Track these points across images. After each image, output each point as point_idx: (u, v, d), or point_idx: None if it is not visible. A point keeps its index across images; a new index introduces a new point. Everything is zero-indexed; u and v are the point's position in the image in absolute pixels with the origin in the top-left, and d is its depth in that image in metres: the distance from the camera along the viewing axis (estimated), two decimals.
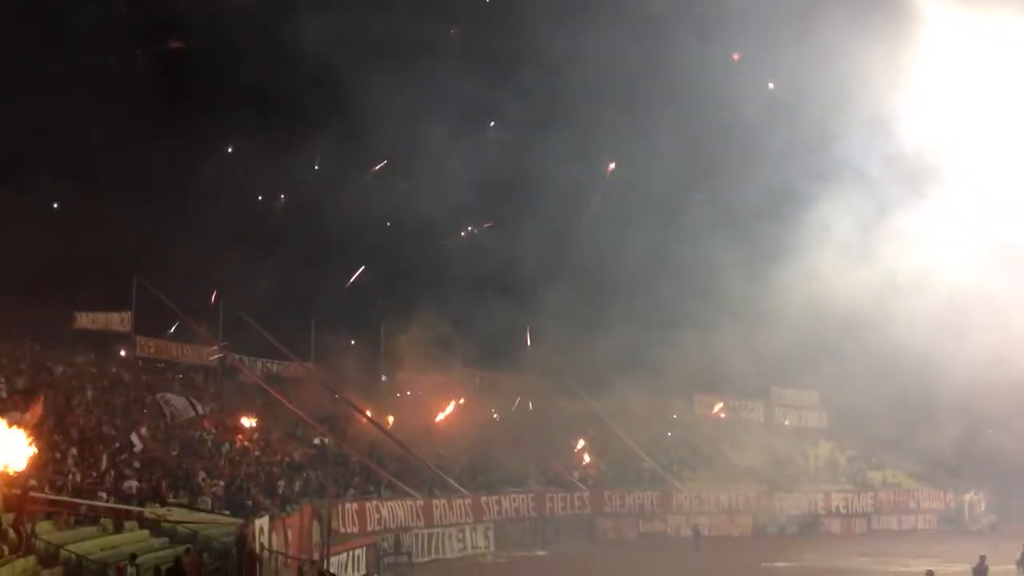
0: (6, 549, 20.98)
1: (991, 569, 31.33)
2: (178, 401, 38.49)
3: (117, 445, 33.48)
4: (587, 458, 51.91)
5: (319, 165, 53.79)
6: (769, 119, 48.21)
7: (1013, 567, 34.14)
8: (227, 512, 31.95)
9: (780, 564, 40.52)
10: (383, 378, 53.61)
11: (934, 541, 47.73)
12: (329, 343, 51.94)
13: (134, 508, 28.95)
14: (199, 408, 38.86)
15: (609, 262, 55.10)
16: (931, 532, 52.53)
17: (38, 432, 26.80)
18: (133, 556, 22.78)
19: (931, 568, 29.46)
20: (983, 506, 54.19)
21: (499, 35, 50.33)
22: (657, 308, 51.86)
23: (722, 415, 60.98)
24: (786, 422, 62.09)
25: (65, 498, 26.23)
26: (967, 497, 54.18)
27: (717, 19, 47.65)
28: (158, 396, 39.14)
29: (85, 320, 48.62)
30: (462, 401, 53.43)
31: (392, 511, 39.86)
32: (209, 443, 38.79)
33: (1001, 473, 51.08)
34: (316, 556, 30.95)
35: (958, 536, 48.21)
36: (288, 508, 34.11)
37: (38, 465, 27.03)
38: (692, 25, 47.17)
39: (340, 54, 46.09)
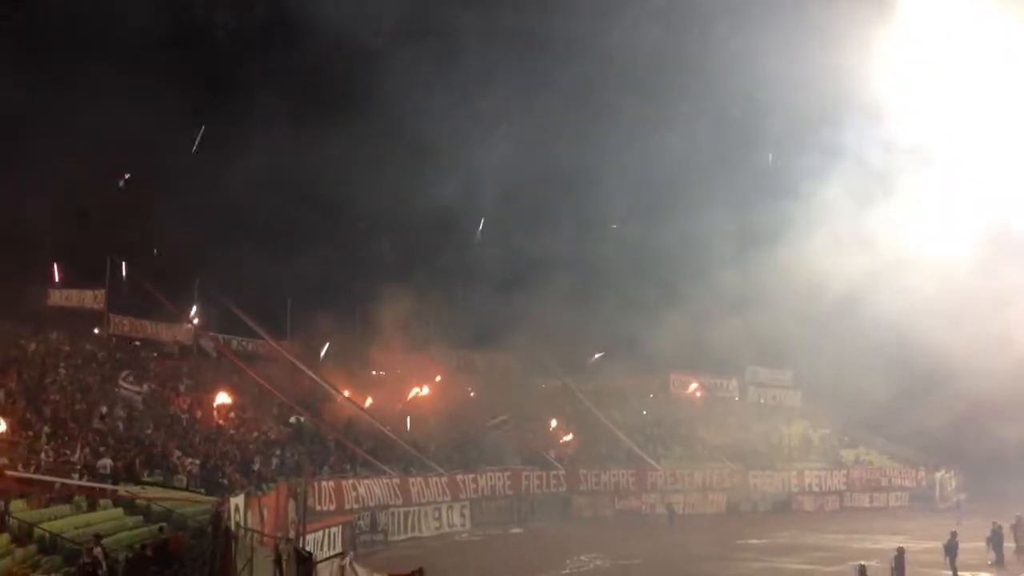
0: None
1: (961, 546, 31.73)
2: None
3: (92, 423, 33.34)
4: (563, 437, 52.06)
5: (297, 145, 53.44)
6: (761, 103, 48.35)
7: (982, 544, 34.61)
8: (202, 490, 31.90)
9: (753, 541, 40.86)
10: (361, 358, 53.42)
11: (905, 518, 48.28)
12: (306, 322, 51.77)
13: (108, 486, 28.84)
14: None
15: (587, 243, 55.30)
16: (902, 510, 53.13)
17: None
18: (98, 537, 22.59)
19: (902, 545, 29.92)
20: (954, 484, 54.84)
21: (509, 18, 50.07)
22: (634, 288, 52.09)
23: (698, 394, 61.36)
24: (761, 401, 62.58)
25: (39, 476, 26.11)
26: (938, 475, 54.81)
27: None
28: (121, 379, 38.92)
29: (58, 297, 48.26)
30: (439, 380, 53.52)
31: (369, 489, 39.95)
32: (184, 421, 38.67)
33: (972, 452, 51.65)
34: (292, 534, 30.96)
35: (929, 514, 48.75)
36: (264, 486, 34.07)
37: (11, 443, 26.95)
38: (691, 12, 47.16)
39: (332, 33, 45.98)
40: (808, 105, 46.54)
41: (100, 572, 21.18)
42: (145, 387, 39.86)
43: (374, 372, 52.80)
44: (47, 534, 23.84)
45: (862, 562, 26.76)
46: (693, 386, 61.69)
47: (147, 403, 38.76)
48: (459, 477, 44.61)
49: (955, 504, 48.53)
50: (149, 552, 23.33)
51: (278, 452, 39.66)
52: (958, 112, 43.92)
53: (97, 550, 21.87)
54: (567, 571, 33.24)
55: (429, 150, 52.20)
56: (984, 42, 42.53)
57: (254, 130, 50.33)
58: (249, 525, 26.80)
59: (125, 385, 38.64)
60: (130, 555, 22.60)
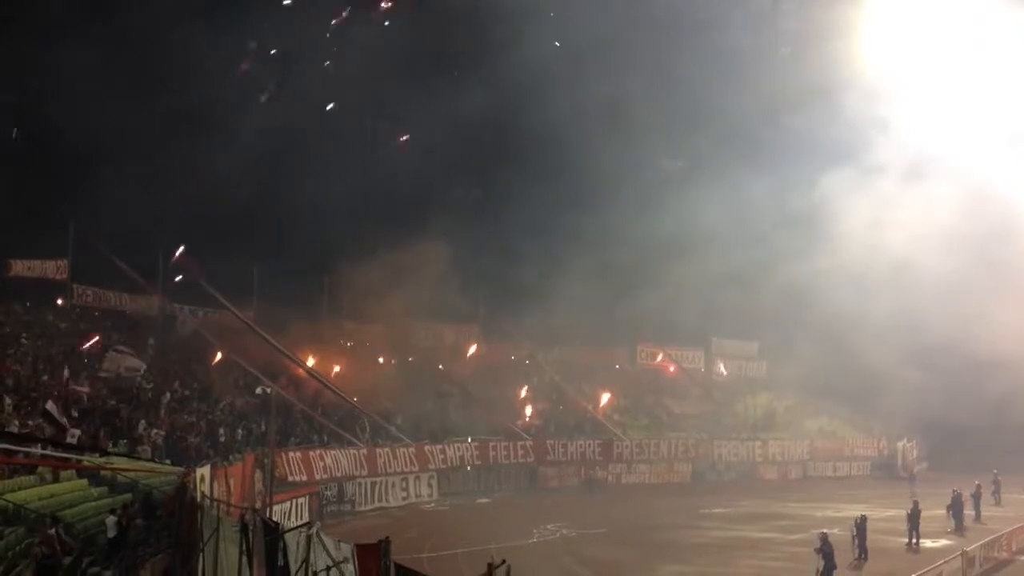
0: None
1: (922, 514, 32.24)
2: (130, 361, 38.03)
3: (55, 393, 33.02)
4: (530, 407, 52.21)
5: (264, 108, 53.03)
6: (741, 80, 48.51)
7: (943, 512, 35.20)
8: (168, 461, 31.72)
9: (718, 510, 41.34)
10: (328, 329, 53.25)
11: (867, 487, 48.93)
12: (273, 292, 51.41)
13: (73, 456, 28.57)
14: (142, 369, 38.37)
15: (557, 213, 55.28)
16: (864, 479, 53.86)
17: None
18: (54, 519, 22.34)
19: (864, 513, 30.38)
20: (915, 453, 55.60)
21: None
22: (603, 259, 52.25)
23: (670, 368, 61.74)
24: (725, 372, 63.09)
25: (4, 446, 25.79)
26: (900, 445, 55.52)
27: None
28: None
29: (20, 268, 47.67)
30: (408, 351, 53.53)
31: (336, 460, 39.95)
32: (150, 392, 38.39)
33: (932, 421, 52.39)
34: (259, 504, 30.92)
35: (891, 482, 49.44)
36: (230, 457, 33.97)
37: None
38: None
39: None
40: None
41: (61, 556, 20.81)
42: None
43: (342, 341, 52.65)
44: (10, 505, 23.60)
45: (824, 530, 27.12)
46: (660, 357, 62.12)
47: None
48: (427, 447, 44.71)
49: (918, 473, 49.16)
50: (137, 508, 23.47)
51: (244, 423, 39.49)
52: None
53: (52, 532, 21.36)
54: (534, 540, 33.49)
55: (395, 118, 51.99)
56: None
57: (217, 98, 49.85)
58: (215, 495, 26.73)
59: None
60: (122, 520, 22.58)
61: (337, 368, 48.15)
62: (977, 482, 38.28)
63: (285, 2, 51.23)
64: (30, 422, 29.19)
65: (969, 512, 36.24)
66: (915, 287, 44.58)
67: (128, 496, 26.26)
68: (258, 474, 34.23)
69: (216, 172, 51.53)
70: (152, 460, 31.58)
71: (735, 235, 51.18)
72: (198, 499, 22.85)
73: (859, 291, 47.87)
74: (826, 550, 25.11)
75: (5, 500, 23.68)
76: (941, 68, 44.44)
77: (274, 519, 22.08)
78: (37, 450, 25.75)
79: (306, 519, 32.89)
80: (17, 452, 25.55)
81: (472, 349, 56.37)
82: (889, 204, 45.44)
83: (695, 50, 47.22)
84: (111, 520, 22.54)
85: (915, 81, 44.76)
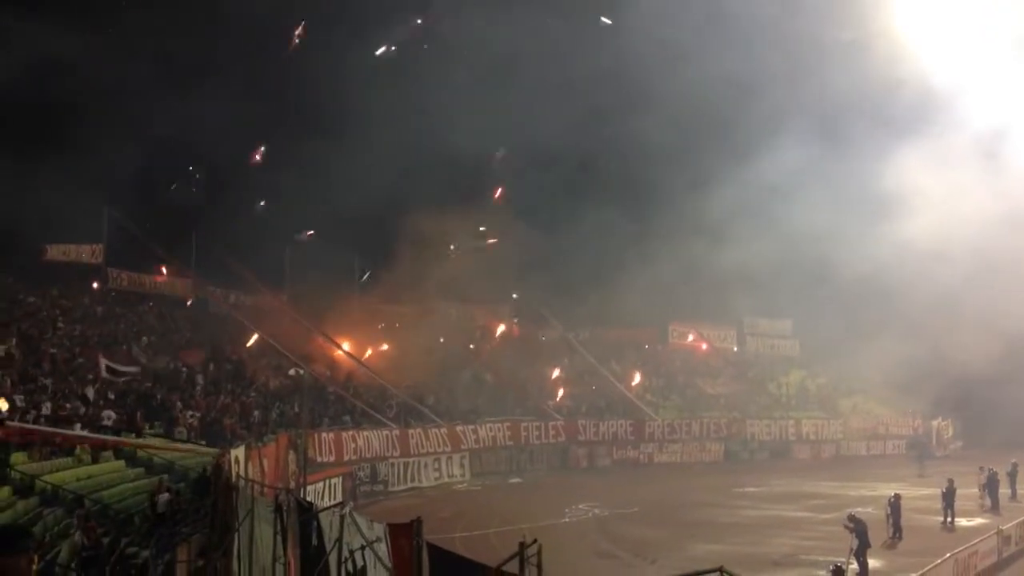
0: None
1: (958, 492, 32.04)
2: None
3: (91, 376, 33.45)
4: (562, 388, 52.26)
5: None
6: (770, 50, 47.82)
7: (976, 491, 34.93)
8: (203, 442, 32.06)
9: (750, 489, 41.24)
10: (360, 310, 53.50)
11: (902, 466, 48.57)
12: (305, 274, 51.69)
13: (110, 438, 28.96)
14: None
15: (587, 192, 55.11)
16: (899, 457, 53.44)
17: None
18: (81, 503, 22.60)
19: (898, 492, 30.21)
20: (951, 432, 55.13)
21: None
22: (633, 238, 52.07)
23: (702, 347, 61.50)
24: (759, 351, 62.79)
25: (40, 427, 26.20)
26: (935, 423, 55.00)
27: None
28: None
29: (56, 252, 48.18)
30: (440, 332, 53.61)
31: (368, 441, 40.20)
32: (184, 374, 38.78)
33: (968, 400, 51.89)
34: (293, 485, 31.19)
35: (926, 462, 49.02)
36: (264, 438, 34.28)
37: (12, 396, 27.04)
38: None
39: None
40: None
41: (100, 542, 21.07)
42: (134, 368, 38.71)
43: (380, 325, 52.85)
44: (49, 486, 23.97)
45: (856, 509, 27.00)
46: (691, 336, 61.92)
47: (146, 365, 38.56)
48: (459, 428, 44.87)
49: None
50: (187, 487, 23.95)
51: (277, 404, 39.81)
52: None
53: (79, 512, 21.44)
54: (566, 519, 33.61)
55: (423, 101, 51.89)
56: None
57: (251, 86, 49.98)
58: (250, 476, 26.99)
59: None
60: (173, 500, 23.14)
61: (369, 350, 48.36)
62: (1014, 460, 37.89)
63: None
64: (67, 405, 29.59)
65: (1005, 490, 35.93)
66: (962, 266, 43.89)
67: (164, 476, 26.59)
68: (291, 455, 34.51)
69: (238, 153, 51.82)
70: (188, 441, 31.95)
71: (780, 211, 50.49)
72: (233, 480, 23.09)
73: (905, 268, 47.21)
74: (859, 529, 24.96)
75: (44, 482, 24.06)
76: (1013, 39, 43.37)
77: (308, 499, 22.28)
78: (76, 432, 26.15)
79: (339, 499, 33.13)
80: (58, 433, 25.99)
81: (503, 329, 56.51)
82: (946, 185, 44.63)
83: (758, 43, 46.71)
84: (163, 497, 22.92)
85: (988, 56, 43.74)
